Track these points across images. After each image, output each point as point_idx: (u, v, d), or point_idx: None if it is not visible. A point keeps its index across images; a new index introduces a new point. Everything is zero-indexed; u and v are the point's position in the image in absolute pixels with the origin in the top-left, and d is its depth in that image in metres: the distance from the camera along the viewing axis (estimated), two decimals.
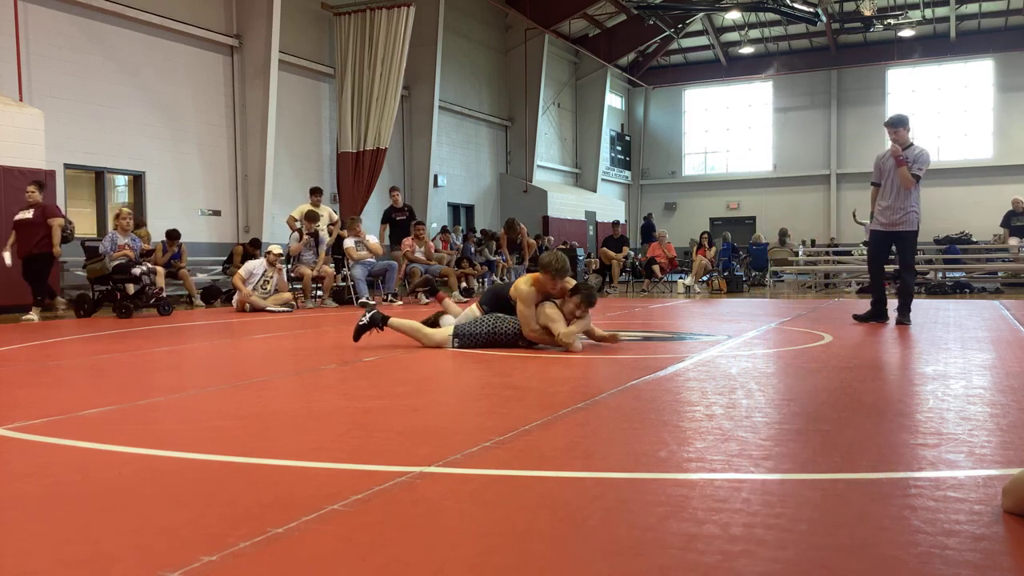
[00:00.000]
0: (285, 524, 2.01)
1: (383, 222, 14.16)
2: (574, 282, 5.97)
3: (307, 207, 12.86)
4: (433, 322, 6.59)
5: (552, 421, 3.26)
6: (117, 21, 13.44)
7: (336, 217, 13.33)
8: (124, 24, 13.55)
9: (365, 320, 6.23)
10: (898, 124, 7.59)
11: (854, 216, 20.42)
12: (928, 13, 26.66)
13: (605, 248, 17.15)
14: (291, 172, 16.96)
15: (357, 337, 6.24)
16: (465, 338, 5.97)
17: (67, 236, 10.08)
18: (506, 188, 24.92)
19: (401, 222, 13.96)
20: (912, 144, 7.63)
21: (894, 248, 7.98)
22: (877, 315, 7.92)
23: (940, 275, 16.57)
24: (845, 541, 1.88)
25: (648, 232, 24.42)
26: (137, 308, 9.96)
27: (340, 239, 12.91)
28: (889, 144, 7.73)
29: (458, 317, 6.51)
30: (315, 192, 13.48)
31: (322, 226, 13.05)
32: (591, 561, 1.78)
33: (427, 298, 12.09)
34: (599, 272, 17.35)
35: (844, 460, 2.64)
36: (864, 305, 8.80)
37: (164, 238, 12.51)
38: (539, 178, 25.76)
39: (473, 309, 6.40)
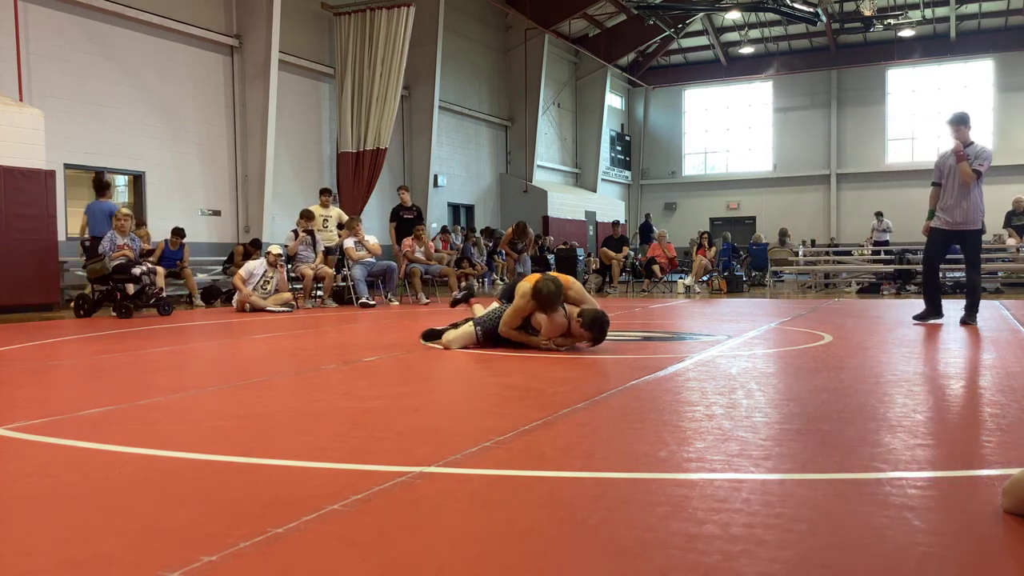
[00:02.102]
0: (285, 524, 2.01)
1: (391, 220, 14.08)
2: (592, 310, 5.68)
3: (316, 208, 12.88)
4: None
5: (552, 421, 3.26)
6: (117, 21, 13.44)
7: (346, 218, 13.29)
8: (124, 24, 13.55)
9: (459, 295, 7.38)
10: (959, 122, 7.57)
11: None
12: (928, 13, 26.67)
13: (605, 248, 17.15)
14: (291, 172, 16.96)
15: (454, 305, 7.49)
16: (485, 323, 5.96)
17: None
18: (506, 188, 24.93)
19: (409, 221, 13.93)
20: (973, 142, 7.58)
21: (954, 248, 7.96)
22: (934, 313, 7.87)
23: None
24: (845, 541, 1.88)
25: (647, 232, 24.43)
26: (137, 308, 9.96)
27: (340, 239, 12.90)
28: (951, 143, 7.71)
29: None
30: (324, 193, 13.48)
31: (331, 227, 13.04)
32: (591, 561, 1.78)
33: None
34: (599, 272, 17.35)
35: (844, 460, 2.64)
36: (868, 305, 8.79)
37: (169, 235, 12.48)
38: (539, 178, 25.76)
39: (494, 305, 6.40)
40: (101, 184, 11.58)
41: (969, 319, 7.61)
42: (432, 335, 6.31)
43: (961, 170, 7.45)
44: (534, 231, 18.67)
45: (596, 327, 5.61)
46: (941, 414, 3.37)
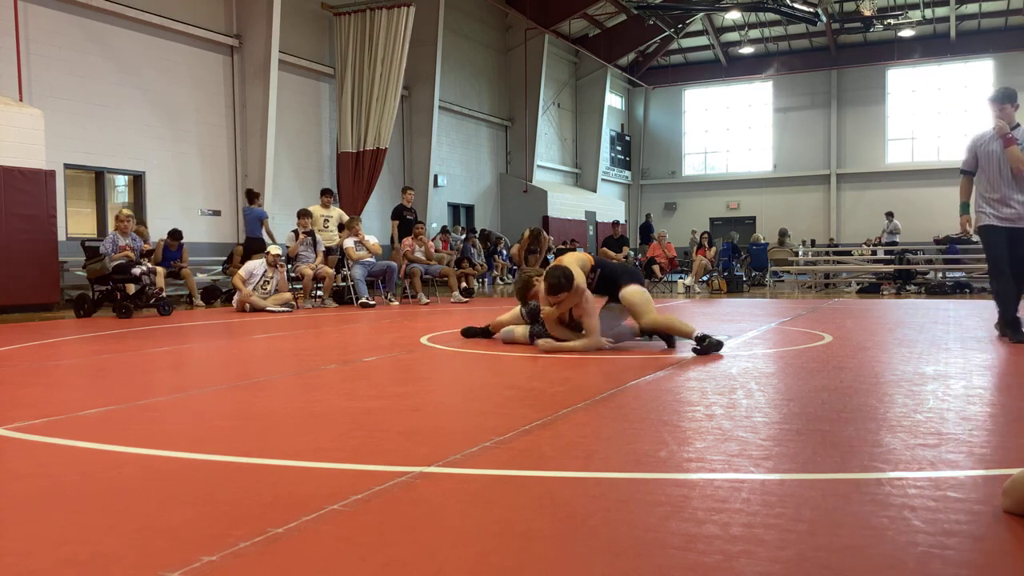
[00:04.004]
0: (285, 524, 2.01)
1: (394, 218, 14.04)
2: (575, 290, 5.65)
3: (317, 208, 12.88)
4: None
5: (552, 421, 3.26)
6: (117, 21, 13.44)
7: (347, 218, 13.29)
8: (124, 24, 13.55)
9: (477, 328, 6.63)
10: (1004, 99, 6.21)
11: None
12: (928, 13, 26.67)
13: (605, 248, 17.14)
14: (291, 172, 16.96)
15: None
16: (539, 331, 5.97)
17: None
18: (506, 188, 24.93)
19: (410, 222, 13.94)
20: (1020, 124, 6.23)
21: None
22: (1014, 331, 6.25)
23: (940, 275, 16.58)
24: (845, 541, 1.88)
25: (646, 232, 24.43)
26: (137, 308, 9.96)
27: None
28: (993, 124, 6.29)
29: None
30: (325, 193, 13.47)
31: (332, 227, 13.04)
32: (591, 561, 1.78)
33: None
34: None
35: (844, 460, 2.64)
36: (866, 305, 8.76)
37: (166, 237, 12.47)
38: (539, 178, 25.76)
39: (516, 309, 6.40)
40: (252, 193, 13.70)
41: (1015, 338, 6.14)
42: (473, 332, 6.55)
43: (1011, 156, 6.08)
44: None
45: (547, 279, 5.55)
46: (941, 414, 3.37)
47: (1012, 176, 6.15)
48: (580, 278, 5.60)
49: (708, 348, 5.41)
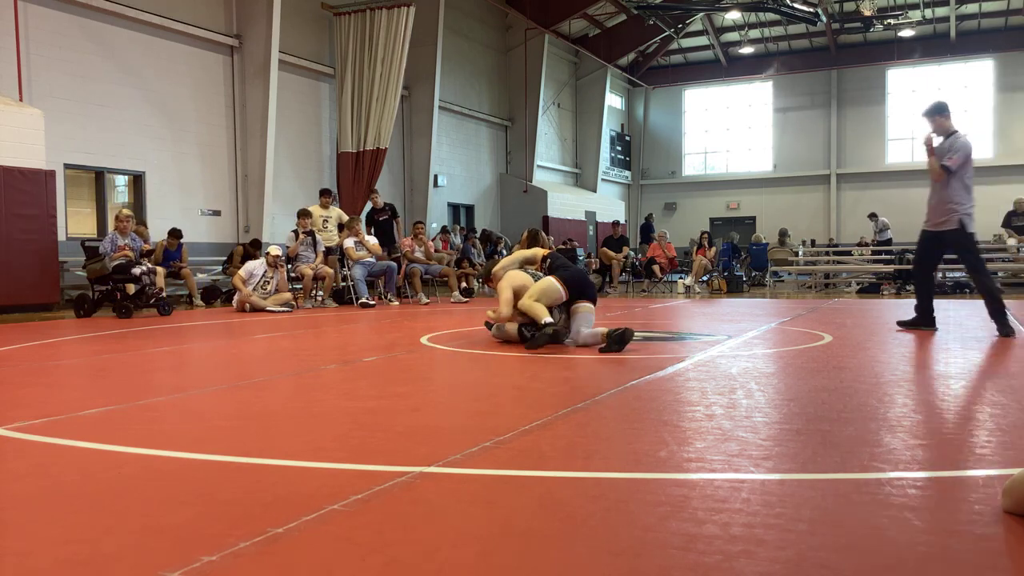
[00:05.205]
0: (285, 524, 2.01)
1: (367, 224, 14.05)
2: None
3: (316, 208, 12.88)
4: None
5: (552, 421, 3.26)
6: (117, 21, 13.43)
7: (346, 218, 13.29)
8: (124, 24, 13.54)
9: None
10: (935, 113, 6.82)
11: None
12: (928, 13, 26.66)
13: (605, 248, 17.16)
14: (291, 172, 16.96)
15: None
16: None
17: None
18: (506, 188, 24.93)
19: (384, 222, 13.92)
20: (956, 132, 6.77)
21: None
22: (923, 322, 7.10)
23: (940, 275, 16.56)
24: (845, 541, 1.88)
25: (647, 232, 24.43)
26: (137, 308, 9.96)
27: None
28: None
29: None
30: (324, 194, 13.47)
31: (331, 227, 13.04)
32: (591, 561, 1.78)
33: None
34: (599, 272, 17.35)
35: (844, 460, 2.64)
36: (866, 306, 8.77)
37: (166, 236, 12.47)
38: (539, 178, 25.76)
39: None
40: (324, 192, 13.77)
41: (1001, 330, 6.61)
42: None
43: (929, 166, 6.78)
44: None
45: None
46: (941, 414, 3.37)
47: (931, 183, 6.85)
48: (499, 267, 6.62)
49: (611, 346, 5.64)
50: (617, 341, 5.59)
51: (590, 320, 6.13)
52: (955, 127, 6.84)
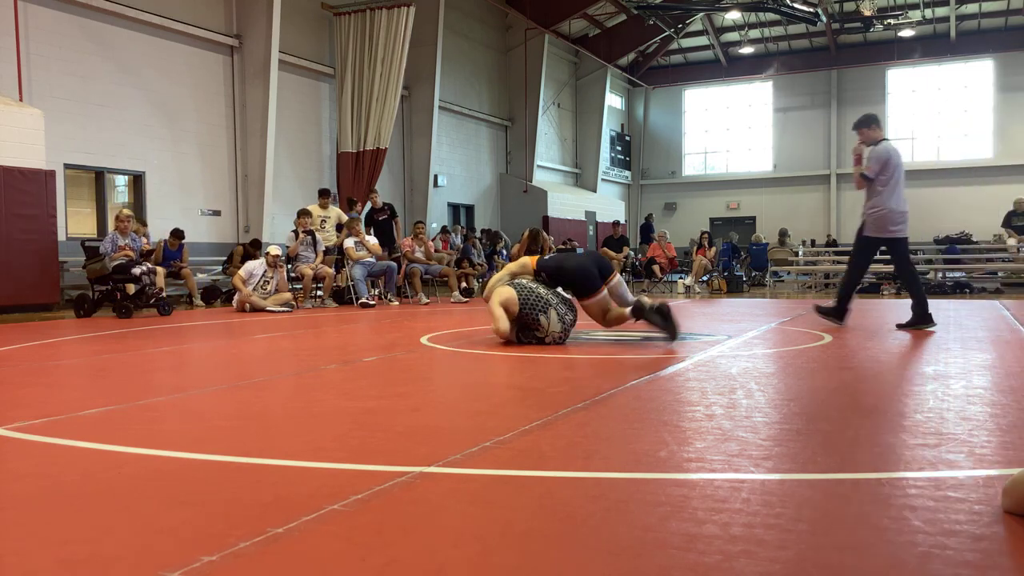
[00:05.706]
0: (285, 524, 2.01)
1: (366, 225, 14.06)
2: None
3: (315, 208, 12.88)
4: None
5: (552, 421, 3.26)
6: (117, 21, 13.44)
7: (346, 218, 13.30)
8: (124, 24, 13.55)
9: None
10: (860, 125, 7.35)
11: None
12: (928, 13, 26.66)
13: (605, 248, 17.16)
14: (291, 172, 16.96)
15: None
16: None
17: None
18: (506, 188, 24.93)
19: (383, 222, 13.93)
20: (883, 141, 7.27)
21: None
22: (921, 320, 7.28)
23: (940, 275, 16.57)
24: (845, 541, 1.88)
25: (647, 232, 24.43)
26: (137, 308, 9.96)
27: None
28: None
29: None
30: (323, 194, 13.47)
31: (329, 227, 13.05)
32: (591, 561, 1.78)
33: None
34: None
35: (844, 460, 2.64)
36: (859, 306, 8.76)
37: (168, 236, 12.47)
38: (539, 178, 25.76)
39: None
40: (350, 202, 14.47)
41: (909, 324, 7.23)
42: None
43: (854, 174, 7.33)
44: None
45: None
46: (941, 414, 3.37)
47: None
48: (490, 286, 6.63)
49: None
50: (658, 312, 5.96)
51: (624, 288, 6.62)
52: (884, 136, 7.33)
